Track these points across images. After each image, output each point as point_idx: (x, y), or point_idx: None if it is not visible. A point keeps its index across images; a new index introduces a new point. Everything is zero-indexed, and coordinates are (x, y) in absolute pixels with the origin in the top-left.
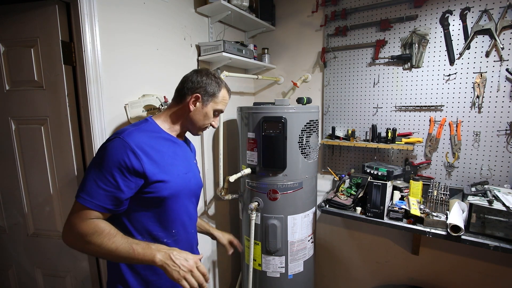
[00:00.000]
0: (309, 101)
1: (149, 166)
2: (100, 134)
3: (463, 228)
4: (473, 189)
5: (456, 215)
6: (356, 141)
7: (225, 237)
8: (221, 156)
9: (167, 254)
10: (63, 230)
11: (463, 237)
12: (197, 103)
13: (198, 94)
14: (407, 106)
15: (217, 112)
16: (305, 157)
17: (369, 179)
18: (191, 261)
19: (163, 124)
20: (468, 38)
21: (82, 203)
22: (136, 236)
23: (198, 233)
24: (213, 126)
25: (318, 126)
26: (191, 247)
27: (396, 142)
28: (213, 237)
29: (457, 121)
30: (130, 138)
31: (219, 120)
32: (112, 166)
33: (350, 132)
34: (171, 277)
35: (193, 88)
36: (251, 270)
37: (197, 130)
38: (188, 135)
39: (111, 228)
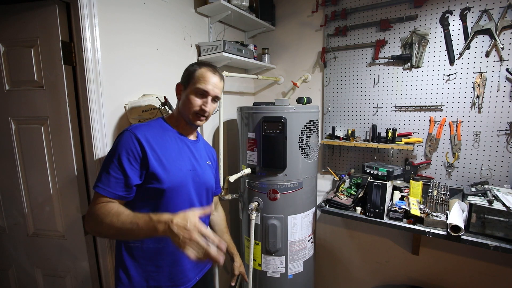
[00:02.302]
0: (309, 101)
1: (152, 158)
2: (100, 134)
3: (463, 228)
4: (473, 189)
5: (456, 215)
6: (356, 141)
7: (240, 268)
8: (221, 156)
9: (166, 225)
10: (85, 219)
11: (463, 237)
12: (182, 92)
13: (179, 83)
14: (407, 106)
15: (199, 92)
16: (305, 157)
17: (369, 179)
18: (190, 228)
19: (172, 122)
20: (468, 38)
21: (97, 191)
22: None
23: None
24: (203, 110)
25: (318, 126)
26: None
27: (396, 142)
28: (232, 259)
29: (457, 121)
30: (137, 131)
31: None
32: (120, 154)
33: (350, 132)
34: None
35: (179, 82)
36: (251, 270)
37: (190, 117)
38: (206, 138)
39: (119, 206)
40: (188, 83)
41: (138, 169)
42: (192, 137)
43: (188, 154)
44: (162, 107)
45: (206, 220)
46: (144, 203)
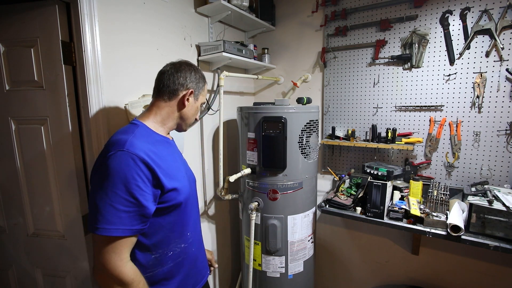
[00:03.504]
0: (309, 101)
1: (162, 175)
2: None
3: (463, 228)
4: (473, 189)
5: (456, 215)
6: (356, 141)
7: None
8: (221, 156)
9: None
10: (95, 271)
11: (463, 237)
12: (190, 99)
13: (192, 89)
14: (407, 106)
15: (202, 104)
16: (305, 157)
17: (369, 179)
18: None
19: (153, 125)
20: (468, 38)
21: (106, 234)
22: (152, 249)
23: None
24: (196, 120)
25: (318, 126)
26: (201, 245)
27: (396, 142)
28: None
29: (457, 121)
30: (135, 149)
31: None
32: (126, 184)
33: (350, 132)
34: None
35: (185, 83)
36: (251, 270)
37: (188, 126)
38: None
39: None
40: (199, 94)
41: (152, 193)
42: (169, 137)
43: (177, 156)
44: None
45: (199, 220)
46: (158, 221)
